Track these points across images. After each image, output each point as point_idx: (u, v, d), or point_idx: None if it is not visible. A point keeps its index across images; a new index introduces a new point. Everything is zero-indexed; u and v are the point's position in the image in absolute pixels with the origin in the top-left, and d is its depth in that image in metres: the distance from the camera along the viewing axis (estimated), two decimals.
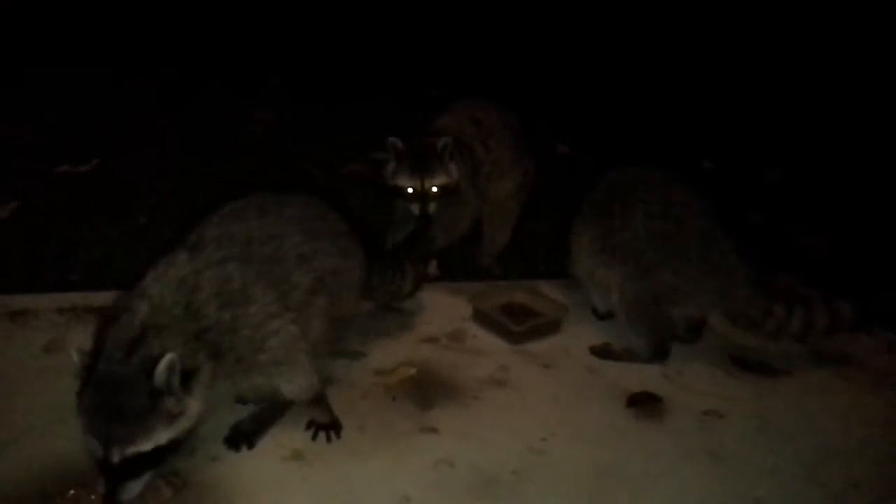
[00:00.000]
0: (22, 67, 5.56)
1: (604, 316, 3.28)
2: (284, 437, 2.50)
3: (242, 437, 2.45)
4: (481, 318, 3.23)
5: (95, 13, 6.38)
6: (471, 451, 2.51)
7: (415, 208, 3.44)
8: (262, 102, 5.44)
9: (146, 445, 2.00)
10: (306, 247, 2.45)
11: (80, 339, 2.81)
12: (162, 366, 1.98)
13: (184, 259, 2.23)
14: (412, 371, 2.89)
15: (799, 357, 3.10)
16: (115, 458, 1.97)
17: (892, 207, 4.49)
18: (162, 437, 2.02)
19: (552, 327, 3.22)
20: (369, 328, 3.11)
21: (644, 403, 2.81)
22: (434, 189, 3.41)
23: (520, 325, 3.13)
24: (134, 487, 2.02)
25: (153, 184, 4.24)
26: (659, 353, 3.05)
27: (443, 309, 3.31)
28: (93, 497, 2.21)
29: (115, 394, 1.98)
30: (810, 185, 4.87)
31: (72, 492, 2.23)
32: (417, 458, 2.47)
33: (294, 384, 2.44)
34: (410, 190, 3.42)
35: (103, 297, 3.03)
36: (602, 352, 3.10)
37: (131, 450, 1.98)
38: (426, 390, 2.80)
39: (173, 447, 2.10)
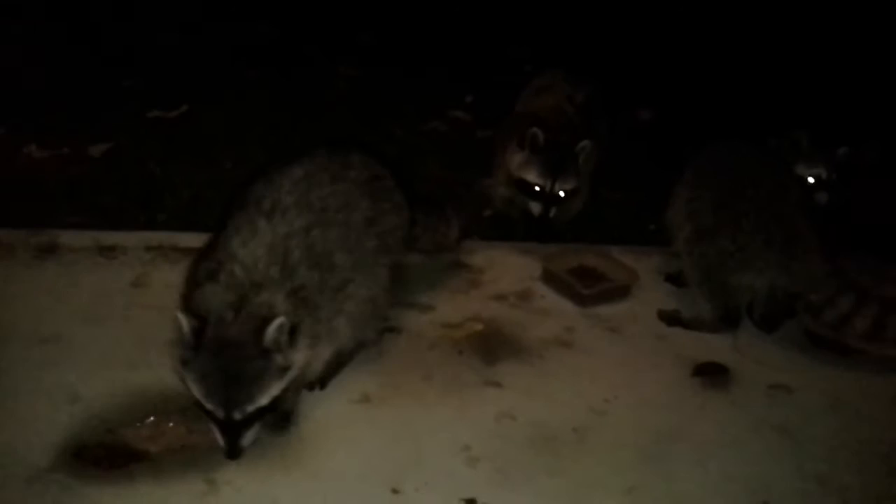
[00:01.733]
0: (120, 13, 5.73)
1: (676, 281, 3.26)
2: (353, 383, 2.59)
3: (315, 380, 2.55)
4: (551, 279, 3.24)
5: None
6: (533, 407, 2.56)
7: (535, 207, 3.35)
8: (348, 60, 5.49)
9: (263, 401, 2.13)
10: (371, 211, 2.57)
11: (166, 275, 2.97)
12: (273, 327, 2.09)
13: (265, 225, 2.31)
14: (479, 327, 2.94)
15: None
16: (237, 417, 2.11)
17: None
18: (275, 390, 2.15)
19: (622, 292, 3.21)
20: (439, 283, 3.17)
21: (711, 373, 2.79)
22: (562, 193, 3.33)
23: (589, 289, 3.13)
24: (251, 435, 2.17)
25: (239, 133, 4.36)
26: (726, 321, 3.01)
27: (513, 268, 3.33)
28: (171, 424, 2.35)
29: (230, 358, 2.09)
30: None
31: (151, 418, 2.37)
32: (480, 410, 2.52)
33: (364, 335, 2.61)
34: (537, 188, 3.33)
35: (188, 239, 3.15)
36: (670, 318, 3.09)
37: (251, 408, 2.11)
38: (492, 346, 2.84)
39: (284, 395, 2.23)
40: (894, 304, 2.84)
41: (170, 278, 2.91)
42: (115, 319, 2.78)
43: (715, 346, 2.94)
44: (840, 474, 2.37)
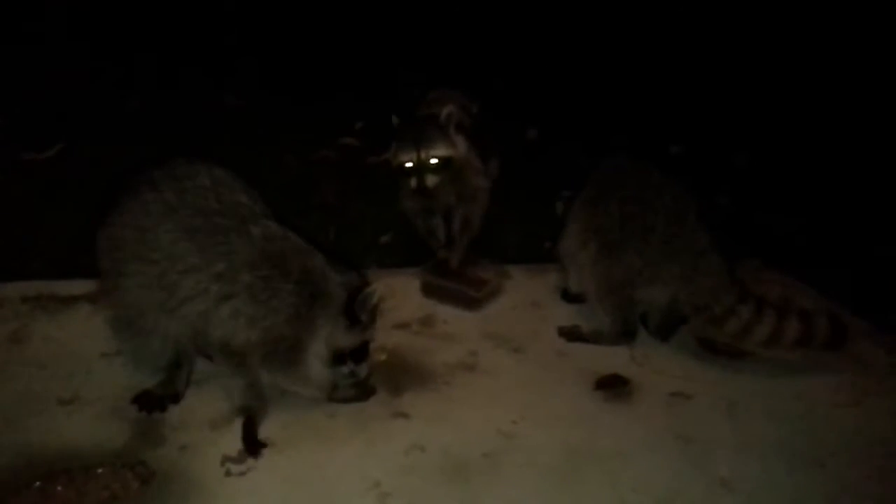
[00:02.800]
0: None
1: (573, 298, 3.32)
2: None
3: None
4: (433, 290, 3.31)
5: None
6: (442, 435, 2.53)
7: (412, 182, 3.21)
8: (232, 88, 5.36)
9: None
10: None
11: (45, 328, 2.79)
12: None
13: None
14: (383, 357, 2.89)
15: None
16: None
17: (859, 192, 4.56)
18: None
19: (500, 288, 3.40)
20: None
21: (612, 386, 2.84)
22: (433, 161, 3.19)
23: (478, 291, 3.26)
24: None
25: (119, 169, 4.16)
26: (625, 334, 3.09)
27: (414, 295, 3.32)
28: (59, 488, 2.20)
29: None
30: (778, 170, 4.92)
31: (38, 483, 2.21)
32: (388, 444, 2.48)
33: None
34: (409, 164, 3.20)
35: (68, 286, 2.99)
36: (570, 334, 3.13)
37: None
38: (397, 376, 2.81)
39: None
40: (787, 310, 2.94)
41: (49, 331, 2.75)
42: None
43: (615, 359, 3.00)
44: (744, 477, 2.44)
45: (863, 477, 2.47)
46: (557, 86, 5.68)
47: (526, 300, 3.38)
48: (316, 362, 2.54)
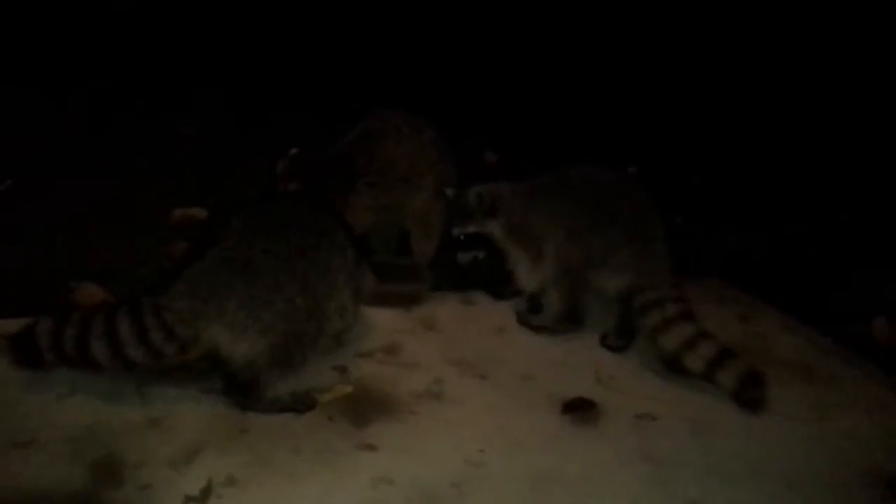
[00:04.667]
0: None
1: (502, 296, 3.54)
2: (216, 463, 2.41)
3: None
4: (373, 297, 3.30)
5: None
6: (410, 466, 2.48)
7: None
8: (186, 116, 5.31)
9: None
10: None
11: None
12: None
13: None
14: (349, 389, 2.85)
15: None
16: None
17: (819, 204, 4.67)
18: None
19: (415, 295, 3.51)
20: None
21: (579, 409, 2.83)
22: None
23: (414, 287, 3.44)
24: None
25: (71, 205, 4.08)
26: (571, 320, 3.28)
27: (377, 322, 3.28)
28: None
29: None
30: (735, 187, 5.01)
31: None
32: (355, 477, 2.42)
33: None
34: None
35: (11, 325, 2.89)
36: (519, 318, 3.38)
37: None
38: (363, 407, 2.76)
39: None
40: (711, 337, 2.99)
41: (2, 372, 2.65)
42: None
43: (581, 382, 2.99)
44: (714, 498, 2.44)
45: (831, 496, 2.49)
46: (514, 108, 5.73)
47: (491, 326, 3.37)
48: None
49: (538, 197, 3.32)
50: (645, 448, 2.65)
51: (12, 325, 2.65)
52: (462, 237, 3.47)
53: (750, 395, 2.86)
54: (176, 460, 2.42)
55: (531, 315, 3.40)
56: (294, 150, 3.42)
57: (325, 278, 2.69)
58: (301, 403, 2.70)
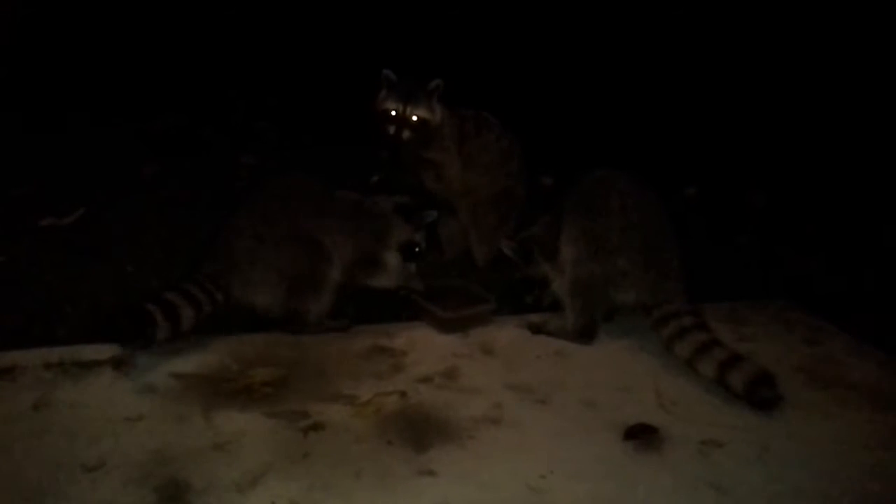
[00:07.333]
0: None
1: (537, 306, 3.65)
2: (278, 488, 2.44)
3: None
4: (410, 305, 3.50)
5: (77, 58, 6.37)
6: (470, 492, 2.47)
7: (391, 129, 3.64)
8: (247, 148, 5.44)
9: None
10: None
11: (69, 395, 2.78)
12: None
13: None
14: (391, 398, 2.91)
15: (793, 380, 3.10)
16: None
17: (877, 228, 4.53)
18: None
19: (478, 319, 3.49)
20: (361, 371, 3.10)
21: (641, 435, 2.78)
22: (414, 118, 3.66)
23: (449, 312, 3.40)
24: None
25: (139, 233, 4.22)
26: (587, 334, 3.37)
27: (435, 347, 3.29)
28: None
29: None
30: (796, 209, 4.91)
31: None
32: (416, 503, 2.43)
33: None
34: (393, 112, 3.65)
35: (91, 351, 2.99)
36: (536, 327, 3.47)
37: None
38: (422, 432, 2.76)
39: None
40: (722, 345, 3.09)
41: (73, 397, 2.74)
42: (17, 448, 2.57)
43: (642, 406, 2.95)
44: None
45: None
46: (570, 131, 5.71)
47: (549, 349, 3.35)
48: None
49: (563, 222, 3.44)
50: (710, 475, 2.59)
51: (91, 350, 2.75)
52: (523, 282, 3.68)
53: (761, 396, 2.88)
54: (241, 484, 2.45)
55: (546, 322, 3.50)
56: (375, 178, 3.67)
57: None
58: (341, 325, 3.36)
